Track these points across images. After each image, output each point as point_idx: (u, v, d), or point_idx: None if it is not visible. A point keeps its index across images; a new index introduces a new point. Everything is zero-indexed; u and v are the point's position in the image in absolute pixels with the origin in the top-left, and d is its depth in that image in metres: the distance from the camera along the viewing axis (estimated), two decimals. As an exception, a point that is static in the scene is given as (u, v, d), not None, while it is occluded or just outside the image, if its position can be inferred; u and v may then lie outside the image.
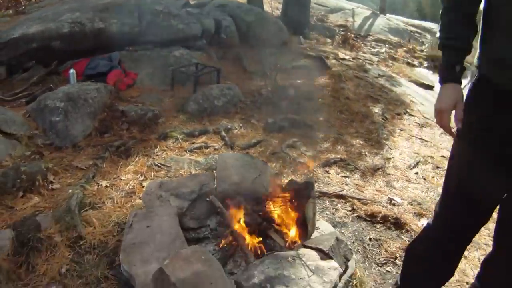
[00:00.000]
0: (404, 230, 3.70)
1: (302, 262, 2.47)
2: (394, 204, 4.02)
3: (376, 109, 6.17)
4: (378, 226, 3.71)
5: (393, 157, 4.89)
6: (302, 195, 2.93)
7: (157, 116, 4.95)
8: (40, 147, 4.04)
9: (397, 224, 3.74)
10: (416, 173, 4.64)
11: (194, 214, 2.95)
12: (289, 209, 2.95)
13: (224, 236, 2.76)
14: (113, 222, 3.11)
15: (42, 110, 4.30)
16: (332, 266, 2.51)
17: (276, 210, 2.90)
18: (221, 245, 2.72)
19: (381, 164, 4.65)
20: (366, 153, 4.85)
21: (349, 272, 2.74)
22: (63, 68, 5.84)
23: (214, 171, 3.54)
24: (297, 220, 2.88)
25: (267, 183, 3.16)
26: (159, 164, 4.02)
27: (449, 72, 1.85)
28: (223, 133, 4.79)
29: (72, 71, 5.20)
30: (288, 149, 4.62)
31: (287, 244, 2.80)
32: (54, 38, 5.82)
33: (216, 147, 4.56)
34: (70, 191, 3.39)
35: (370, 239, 3.53)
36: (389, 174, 4.53)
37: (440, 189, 4.37)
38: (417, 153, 5.08)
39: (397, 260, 3.36)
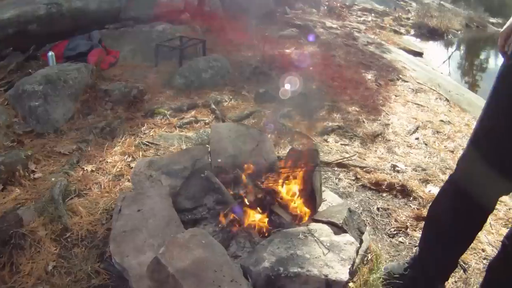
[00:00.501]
0: (411, 198, 3.40)
1: (315, 238, 2.12)
2: (398, 171, 3.70)
3: (369, 76, 5.83)
4: (384, 194, 3.40)
5: (391, 123, 4.56)
6: (305, 165, 2.56)
7: (142, 93, 4.55)
8: (20, 135, 3.65)
9: (404, 192, 3.44)
10: (417, 139, 4.32)
11: (188, 193, 2.57)
12: (293, 181, 2.58)
13: (223, 215, 2.39)
14: (101, 209, 2.76)
15: (20, 96, 3.91)
16: (348, 241, 2.17)
17: (279, 182, 2.53)
18: (221, 226, 2.36)
19: (380, 130, 4.32)
20: (364, 120, 4.51)
21: (364, 246, 2.41)
22: (41, 52, 5.36)
23: (207, 145, 3.16)
24: (302, 192, 2.52)
25: (267, 154, 2.78)
26: (147, 143, 3.65)
27: None
28: (213, 106, 4.41)
29: (50, 53, 4.72)
30: (282, 119, 4.25)
31: (294, 219, 2.45)
32: (30, 22, 5.29)
33: (206, 121, 4.18)
34: (53, 179, 3.02)
35: (378, 208, 3.22)
36: (389, 140, 4.21)
37: (442, 154, 4.15)
38: (415, 118, 4.76)
39: (408, 230, 3.07)
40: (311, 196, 2.47)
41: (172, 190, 2.52)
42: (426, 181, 3.63)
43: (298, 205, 2.50)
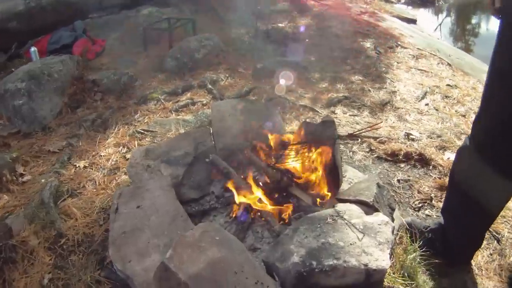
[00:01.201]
0: (431, 167, 3.08)
1: (346, 221, 1.75)
2: (413, 139, 3.35)
3: (368, 44, 5.43)
4: (402, 165, 3.06)
5: (398, 90, 4.19)
6: (321, 138, 2.19)
7: (133, 79, 4.21)
8: (5, 138, 3.29)
9: (422, 161, 3.12)
10: (427, 104, 3.95)
11: (193, 181, 2.20)
12: (310, 158, 2.21)
13: (235, 202, 2.02)
14: (98, 209, 2.42)
15: (3, 96, 3.50)
16: (382, 221, 1.81)
17: (294, 160, 2.16)
18: (234, 215, 1.99)
19: (388, 98, 3.96)
20: (369, 89, 4.13)
21: (396, 224, 2.06)
22: (24, 49, 4.91)
23: (209, 127, 2.76)
24: (321, 169, 2.15)
25: (277, 130, 2.41)
26: (142, 131, 3.29)
27: None
28: (210, 86, 4.02)
29: (33, 49, 4.30)
30: (284, 93, 3.86)
31: (315, 200, 2.09)
32: (9, 19, 4.86)
33: (204, 102, 3.80)
34: (43, 180, 2.67)
35: (398, 180, 2.89)
36: (398, 108, 3.84)
37: (455, 119, 3.79)
38: (421, 84, 4.39)
39: (433, 201, 2.74)
40: (332, 173, 2.10)
41: (174, 180, 2.14)
42: (443, 148, 3.29)
43: (318, 184, 2.13)
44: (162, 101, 3.85)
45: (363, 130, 2.78)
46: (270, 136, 2.27)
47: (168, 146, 2.44)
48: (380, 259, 1.61)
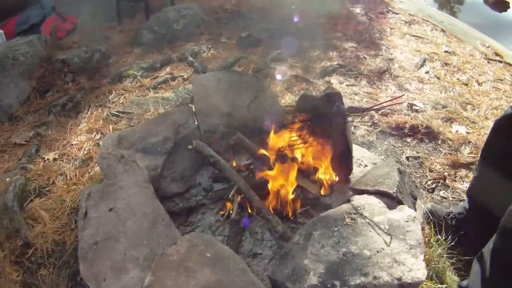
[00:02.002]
0: (439, 141, 2.76)
1: (367, 220, 1.36)
2: (417, 111, 2.99)
3: (357, 10, 4.97)
4: (409, 140, 2.70)
5: (395, 57, 3.79)
6: (324, 114, 1.77)
7: (106, 56, 3.71)
8: None
9: (430, 134, 2.79)
10: (427, 72, 3.56)
11: (175, 172, 1.76)
12: (313, 139, 1.79)
13: (227, 196, 1.61)
14: (69, 209, 2.03)
15: None
16: (409, 216, 1.43)
17: (295, 143, 1.74)
18: (226, 212, 1.58)
19: (386, 66, 3.56)
20: (365, 56, 3.71)
21: (419, 214, 1.68)
22: (-10, 36, 4.33)
23: (191, 105, 2.31)
24: (328, 152, 1.74)
25: (270, 106, 1.98)
26: (117, 113, 2.84)
27: None
28: (191, 59, 3.54)
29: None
30: (273, 63, 3.41)
31: (324, 191, 1.69)
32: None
33: (185, 77, 3.34)
34: (8, 179, 2.23)
35: (407, 158, 2.54)
36: (398, 76, 3.45)
37: (458, 88, 3.38)
38: (418, 51, 4.00)
39: (447, 181, 2.37)
40: (343, 157, 1.69)
41: (153, 172, 1.70)
42: (449, 120, 2.95)
43: (325, 170, 1.72)
44: (139, 78, 3.38)
45: (384, 104, 2.35)
46: (264, 115, 1.84)
47: (144, 131, 1.99)
48: (415, 268, 1.24)
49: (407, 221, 1.41)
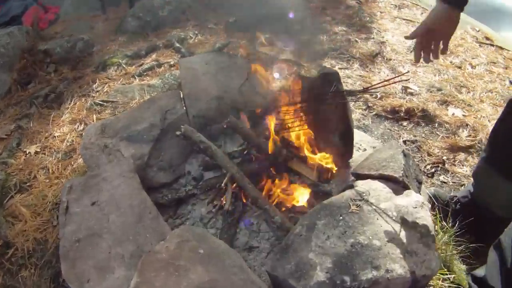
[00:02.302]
0: (436, 124, 2.63)
1: (374, 207, 1.24)
2: (411, 94, 2.88)
3: (346, -7, 4.81)
4: (405, 123, 2.60)
5: (387, 41, 3.66)
6: (321, 95, 1.63)
7: (89, 45, 3.54)
8: None
9: (426, 118, 2.68)
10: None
11: (162, 161, 1.61)
12: (307, 121, 1.66)
13: (219, 185, 1.47)
14: (51, 204, 1.90)
15: None
16: (416, 202, 1.31)
17: (292, 126, 1.61)
18: (218, 203, 1.44)
19: (378, 49, 3.44)
20: (356, 39, 3.58)
21: (424, 200, 1.56)
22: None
23: (178, 90, 2.16)
24: (326, 135, 1.61)
25: (264, 88, 1.84)
26: (101, 102, 2.70)
27: None
28: (177, 45, 3.39)
29: (-22, 26, 3.55)
30: (263, 48, 3.26)
31: (322, 176, 1.56)
32: None
33: (171, 63, 3.19)
34: None
35: (405, 142, 2.44)
36: (390, 59, 3.33)
37: (451, 71, 3.28)
38: (409, 34, 3.83)
39: (446, 165, 2.26)
40: (343, 139, 1.56)
41: (139, 161, 1.56)
42: (445, 103, 2.85)
43: (323, 155, 1.60)
44: (124, 65, 3.22)
45: (391, 80, 2.23)
46: (254, 98, 1.70)
47: (128, 118, 1.84)
48: (428, 259, 1.13)
49: (415, 207, 1.29)
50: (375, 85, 1.71)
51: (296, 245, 1.09)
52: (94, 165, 1.62)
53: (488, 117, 2.74)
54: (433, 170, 2.26)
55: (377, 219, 1.20)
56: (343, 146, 1.57)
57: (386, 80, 1.85)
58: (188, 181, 1.56)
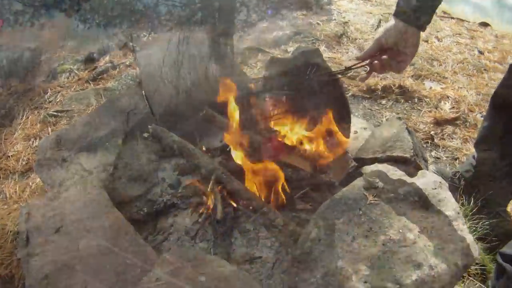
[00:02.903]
0: (416, 99, 2.51)
1: (392, 194, 1.06)
2: (385, 71, 2.73)
3: (298, -22, 4.67)
4: (384, 101, 2.50)
5: (349, 21, 3.56)
6: (303, 75, 1.43)
7: (37, 54, 3.37)
8: None
9: (405, 94, 2.59)
10: (385, 33, 3.33)
11: (130, 170, 1.35)
12: (291, 106, 1.46)
13: (202, 191, 1.24)
14: (12, 234, 1.59)
15: None
16: (435, 183, 1.14)
17: (277, 113, 1.40)
18: (204, 210, 1.21)
19: (342, 30, 3.32)
20: (318, 22, 3.45)
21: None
22: None
23: (139, 88, 1.91)
24: (316, 119, 1.42)
25: (236, 72, 1.63)
26: (55, 113, 2.48)
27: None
28: (131, 44, 3.22)
29: None
30: (222, 39, 3.06)
31: (317, 166, 1.37)
32: None
33: (127, 63, 3.02)
34: None
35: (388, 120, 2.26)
36: (356, 38, 3.23)
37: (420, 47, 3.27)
38: (370, 13, 3.79)
39: (435, 140, 2.14)
40: (338, 120, 1.37)
41: (103, 173, 1.29)
42: (420, 77, 2.79)
43: (316, 141, 1.40)
44: (76, 71, 3.03)
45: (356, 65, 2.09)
46: (234, 85, 1.48)
47: (86, 125, 1.56)
48: (466, 246, 0.95)
49: (435, 188, 1.12)
50: (358, 63, 1.53)
51: (317, 252, 0.88)
52: (53, 183, 1.34)
53: (465, 88, 2.66)
54: (424, 146, 2.13)
55: (400, 207, 1.02)
56: (338, 129, 1.38)
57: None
58: (164, 190, 1.32)
